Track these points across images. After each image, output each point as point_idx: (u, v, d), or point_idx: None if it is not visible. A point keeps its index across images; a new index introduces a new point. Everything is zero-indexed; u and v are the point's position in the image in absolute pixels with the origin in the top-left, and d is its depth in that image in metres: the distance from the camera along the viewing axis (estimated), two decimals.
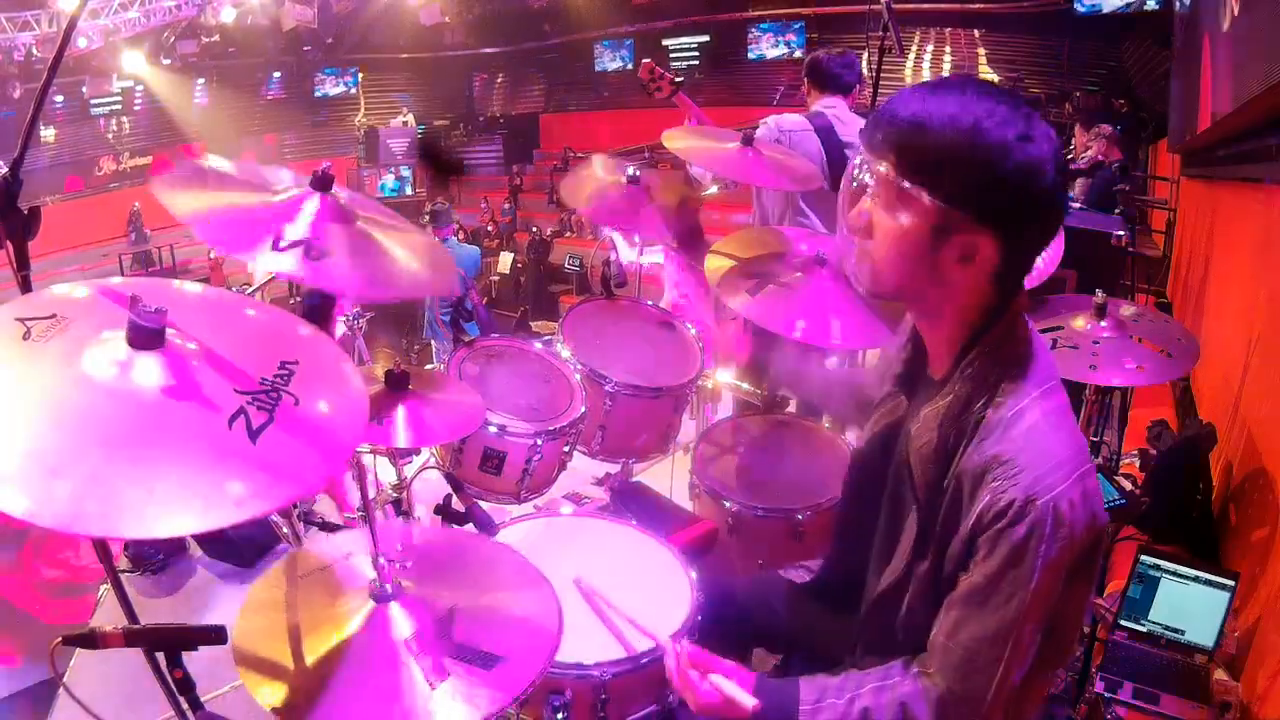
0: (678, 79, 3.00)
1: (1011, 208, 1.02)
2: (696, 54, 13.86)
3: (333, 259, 1.33)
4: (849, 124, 3.14)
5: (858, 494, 1.36)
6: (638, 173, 2.37)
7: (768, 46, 12.65)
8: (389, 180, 13.74)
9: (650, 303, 2.69)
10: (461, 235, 6.41)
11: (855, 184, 1.13)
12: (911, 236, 1.06)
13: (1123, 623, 2.13)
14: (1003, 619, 1.02)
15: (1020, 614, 1.01)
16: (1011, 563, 1.01)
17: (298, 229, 1.34)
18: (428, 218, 6.38)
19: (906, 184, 1.04)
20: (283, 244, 1.30)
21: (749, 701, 1.15)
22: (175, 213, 1.28)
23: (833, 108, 3.16)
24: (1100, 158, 5.74)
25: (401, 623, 1.16)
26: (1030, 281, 2.06)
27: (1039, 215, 1.04)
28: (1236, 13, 2.83)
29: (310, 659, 1.11)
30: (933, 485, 1.11)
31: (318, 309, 2.41)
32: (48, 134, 13.33)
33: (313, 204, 1.39)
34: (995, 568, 1.02)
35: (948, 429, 1.10)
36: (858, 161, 1.12)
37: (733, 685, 1.18)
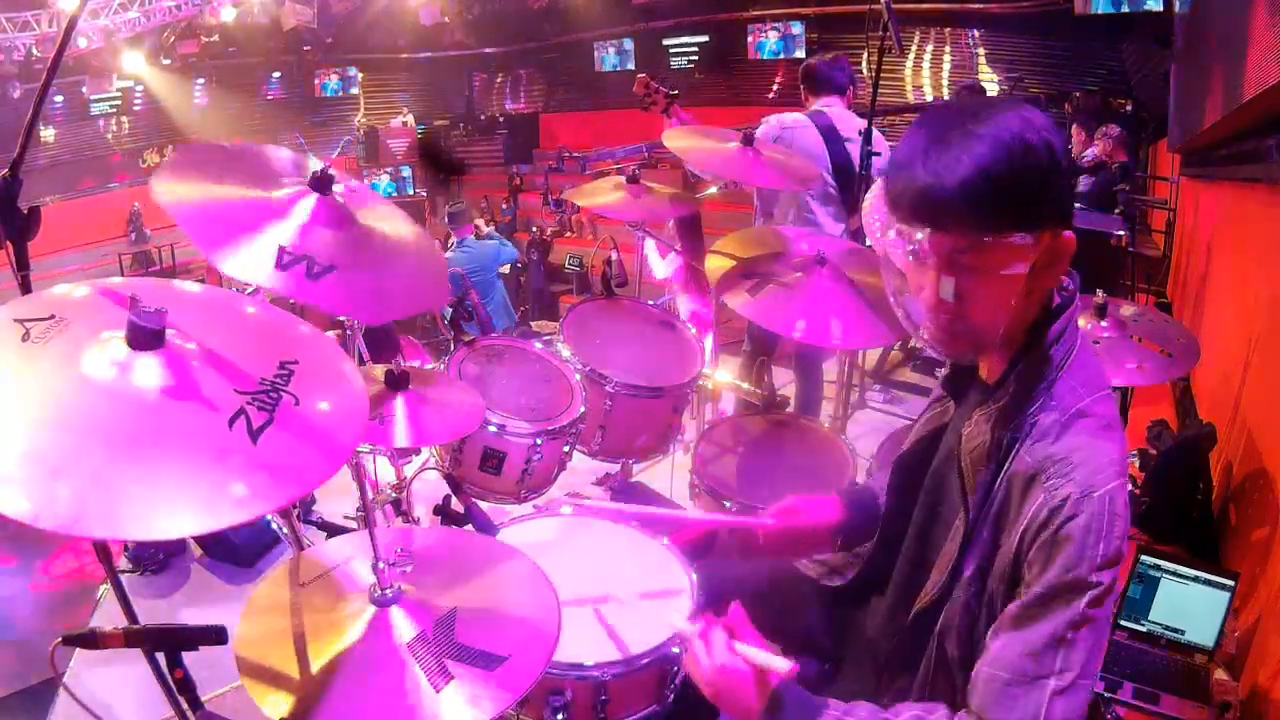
0: (673, 92, 3.01)
1: (1068, 200, 1.04)
2: (696, 54, 13.85)
3: (336, 275, 1.28)
4: (847, 121, 3.17)
5: (900, 499, 1.34)
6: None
7: (767, 47, 12.65)
8: (384, 180, 13.71)
9: (650, 302, 2.69)
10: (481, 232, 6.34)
11: (915, 263, 1.05)
12: (1016, 280, 1.01)
13: (1123, 623, 2.13)
14: (1055, 627, 0.98)
15: (1074, 620, 0.98)
16: (1070, 565, 0.98)
17: (297, 240, 1.29)
18: (446, 218, 6.33)
19: (991, 238, 0.99)
20: (286, 260, 1.25)
21: (783, 665, 1.04)
22: (160, 200, 1.23)
23: (831, 106, 3.19)
24: (1105, 158, 5.73)
25: (403, 626, 1.16)
26: None
27: (1061, 194, 1.04)
28: None
29: (313, 665, 1.11)
30: (984, 487, 1.09)
31: None
32: (47, 134, 13.33)
33: (307, 203, 1.35)
34: (1054, 575, 0.99)
35: (1001, 430, 1.08)
36: (910, 247, 1.03)
37: (765, 654, 1.08)
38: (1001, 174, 0.96)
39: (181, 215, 1.23)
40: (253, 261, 1.24)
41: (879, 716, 1.07)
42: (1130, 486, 2.85)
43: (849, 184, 3.12)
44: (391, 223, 1.51)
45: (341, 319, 2.15)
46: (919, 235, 1.01)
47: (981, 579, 1.09)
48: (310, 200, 1.36)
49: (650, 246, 3.10)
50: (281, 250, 1.25)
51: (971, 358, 1.18)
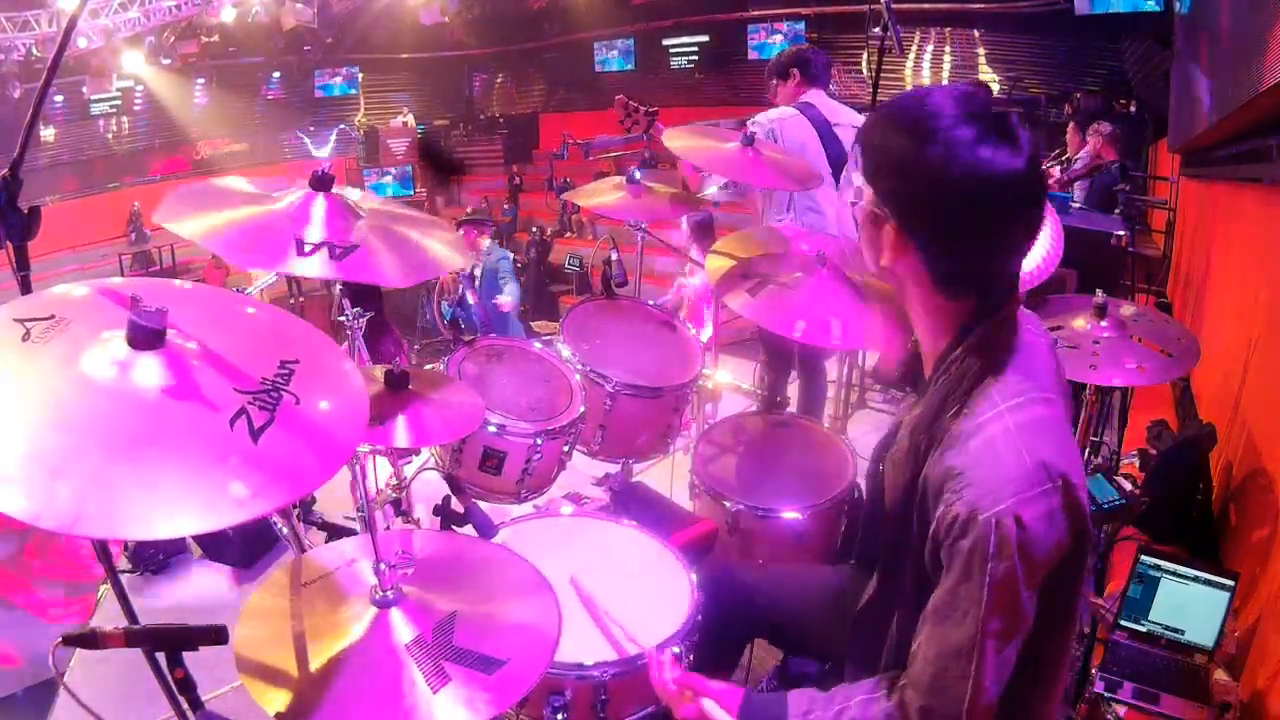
0: (652, 110, 3.01)
1: (916, 204, 1.05)
2: (696, 54, 13.86)
3: (358, 254, 1.41)
4: (834, 109, 3.17)
5: (872, 496, 1.36)
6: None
7: (768, 46, 12.65)
8: (387, 181, 13.68)
9: (650, 303, 2.69)
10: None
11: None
12: (875, 233, 1.11)
13: (1123, 623, 2.13)
14: (962, 635, 1.02)
15: (977, 630, 1.00)
16: (961, 578, 1.00)
17: (314, 231, 1.42)
18: (469, 221, 6.20)
19: (859, 178, 1.11)
20: (307, 248, 1.37)
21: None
22: (188, 236, 1.34)
23: (816, 97, 3.20)
24: (1094, 156, 5.70)
25: (403, 628, 1.16)
26: (1030, 281, 2.06)
27: (945, 215, 1.04)
28: None
29: (312, 664, 1.11)
30: (905, 491, 1.11)
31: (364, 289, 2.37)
32: (47, 134, 13.33)
33: (319, 204, 1.47)
34: (951, 583, 1.02)
35: (919, 436, 1.09)
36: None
37: (716, 707, 1.19)
38: (879, 138, 1.07)
39: (203, 240, 1.35)
40: (275, 257, 1.37)
41: (831, 710, 1.12)
42: (1128, 485, 2.86)
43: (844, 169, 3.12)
44: (392, 209, 1.65)
45: (342, 318, 2.15)
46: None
47: (919, 571, 1.11)
48: (316, 200, 1.47)
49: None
50: (299, 241, 1.38)
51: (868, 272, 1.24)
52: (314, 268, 1.35)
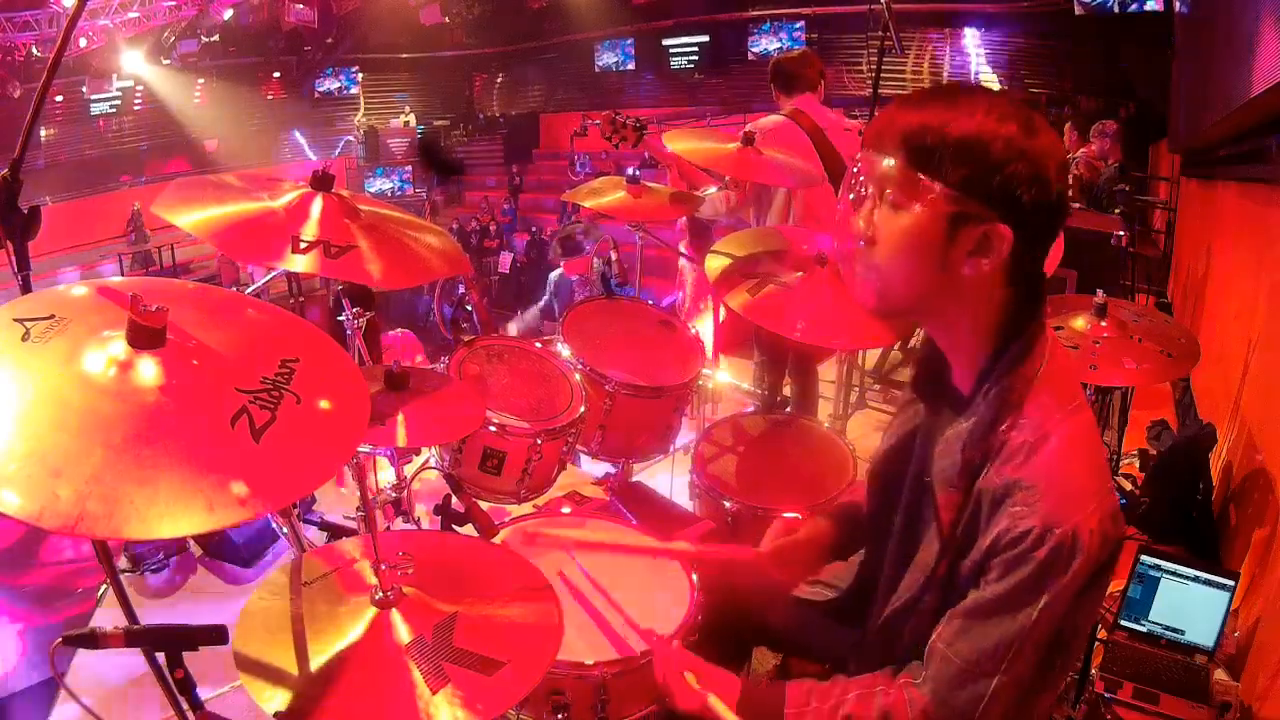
0: (640, 125, 2.98)
1: (1017, 197, 0.99)
2: (696, 54, 13.87)
3: (354, 253, 1.42)
4: (825, 115, 3.16)
5: (881, 505, 1.34)
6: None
7: (768, 46, 12.65)
8: (382, 182, 13.66)
9: (650, 303, 2.69)
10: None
11: (854, 194, 1.08)
12: (925, 232, 1.01)
13: (1123, 623, 2.13)
14: (1004, 634, 1.02)
15: (1023, 632, 1.01)
16: (1023, 587, 1.00)
17: (310, 229, 1.43)
18: (565, 243, 5.67)
19: (919, 175, 1.00)
20: (303, 245, 1.38)
21: (730, 718, 1.16)
22: (186, 229, 1.34)
23: (807, 104, 3.19)
24: (1099, 158, 5.72)
25: (403, 628, 1.16)
26: None
27: (1043, 208, 1.01)
28: None
29: (312, 664, 1.11)
30: (955, 507, 1.10)
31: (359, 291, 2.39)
32: (48, 134, 13.36)
33: (313, 201, 1.47)
34: (1006, 589, 1.01)
35: (971, 451, 1.08)
36: (856, 169, 1.08)
37: (715, 699, 1.18)
38: (953, 125, 0.99)
39: (201, 233, 1.36)
40: (271, 252, 1.38)
41: (828, 703, 1.13)
42: (1128, 485, 2.87)
43: (840, 176, 3.11)
44: (393, 212, 1.65)
45: (340, 318, 2.15)
46: (868, 162, 1.06)
47: (953, 584, 1.11)
48: (315, 199, 1.49)
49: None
50: (295, 239, 1.39)
51: (887, 313, 1.16)
52: (308, 264, 1.36)
